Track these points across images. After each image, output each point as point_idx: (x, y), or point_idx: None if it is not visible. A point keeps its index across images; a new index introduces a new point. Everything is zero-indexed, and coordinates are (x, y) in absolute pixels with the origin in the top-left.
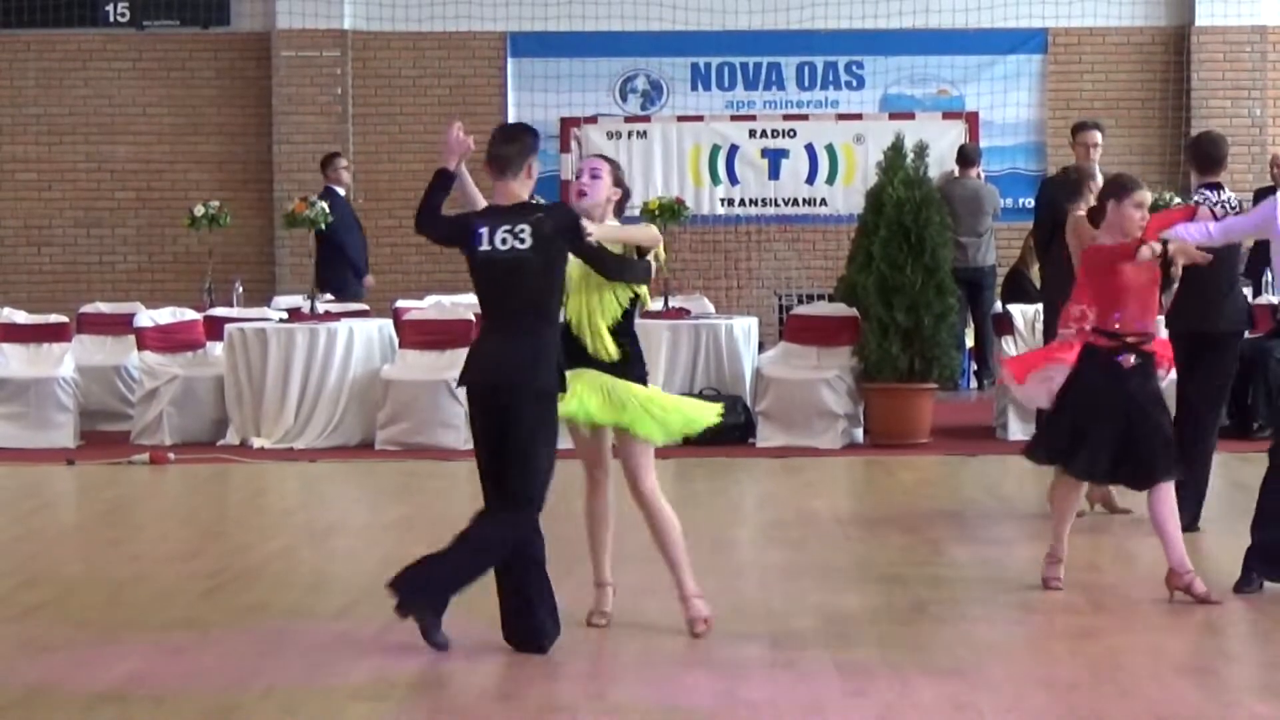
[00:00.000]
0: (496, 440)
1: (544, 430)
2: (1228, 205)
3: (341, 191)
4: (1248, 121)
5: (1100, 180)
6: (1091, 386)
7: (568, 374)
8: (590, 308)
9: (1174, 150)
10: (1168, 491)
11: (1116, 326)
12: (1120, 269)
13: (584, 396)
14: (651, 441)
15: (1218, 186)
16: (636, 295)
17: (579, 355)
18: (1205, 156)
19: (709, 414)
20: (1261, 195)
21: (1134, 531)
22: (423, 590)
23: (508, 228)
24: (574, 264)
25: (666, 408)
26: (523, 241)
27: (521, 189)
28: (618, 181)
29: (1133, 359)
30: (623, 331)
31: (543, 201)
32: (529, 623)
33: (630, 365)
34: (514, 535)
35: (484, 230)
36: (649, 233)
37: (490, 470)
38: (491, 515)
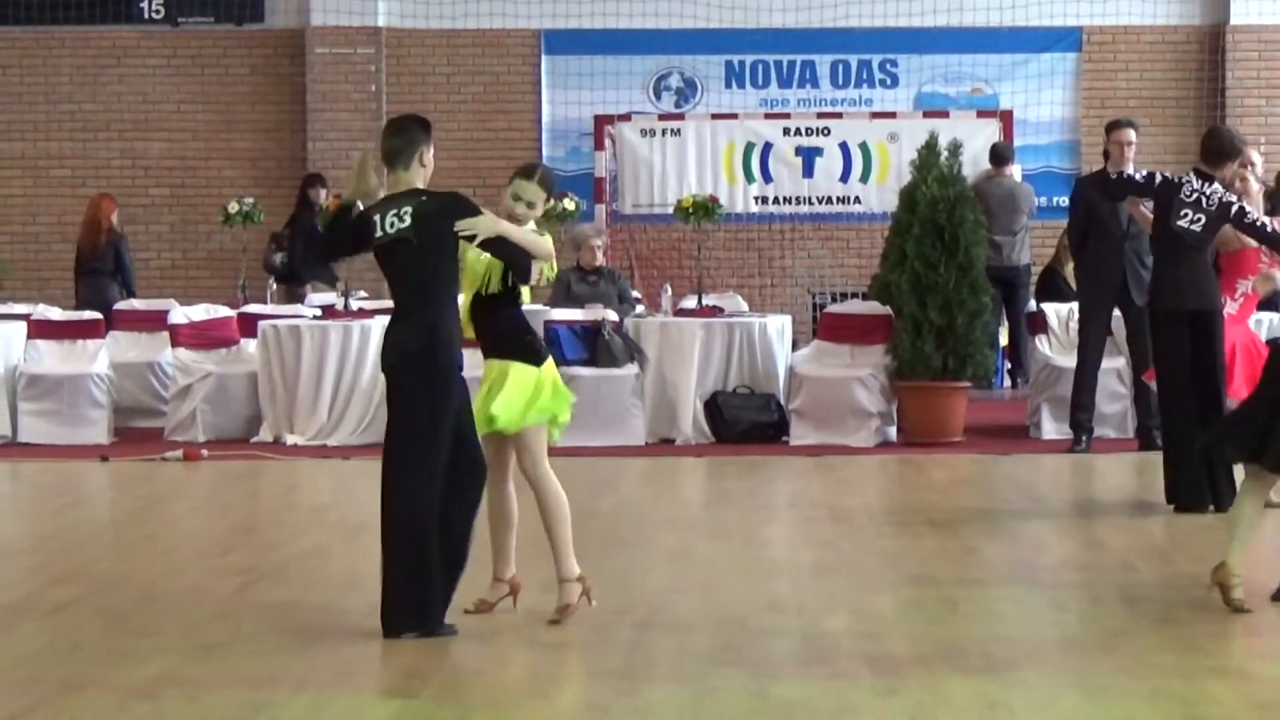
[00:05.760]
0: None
1: (425, 401)
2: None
3: None
4: None
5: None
6: None
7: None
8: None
9: None
10: None
11: None
12: None
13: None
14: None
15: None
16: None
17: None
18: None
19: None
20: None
21: (1168, 530)
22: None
23: (394, 211)
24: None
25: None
26: (404, 220)
27: (414, 178)
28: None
29: None
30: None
31: (435, 189)
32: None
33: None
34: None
35: (377, 218)
36: (543, 246)
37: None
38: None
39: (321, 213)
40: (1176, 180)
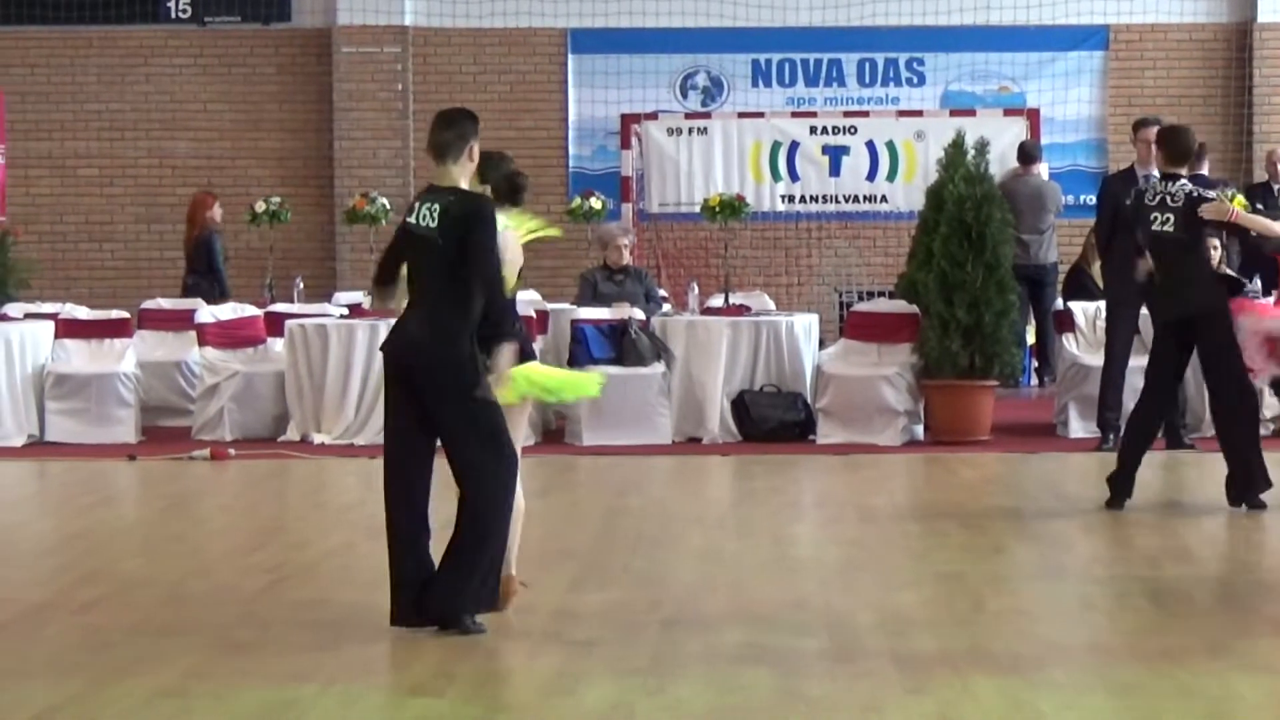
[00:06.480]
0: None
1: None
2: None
3: None
4: None
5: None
6: None
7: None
8: None
9: (1235, 147)
10: None
11: None
12: None
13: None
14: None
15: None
16: None
17: None
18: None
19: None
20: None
21: (1193, 528)
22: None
23: (428, 205)
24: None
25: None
26: (433, 219)
27: (460, 174)
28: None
29: None
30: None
31: (467, 191)
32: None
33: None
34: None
35: (416, 203)
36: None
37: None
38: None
39: (349, 211)
40: (1140, 189)
